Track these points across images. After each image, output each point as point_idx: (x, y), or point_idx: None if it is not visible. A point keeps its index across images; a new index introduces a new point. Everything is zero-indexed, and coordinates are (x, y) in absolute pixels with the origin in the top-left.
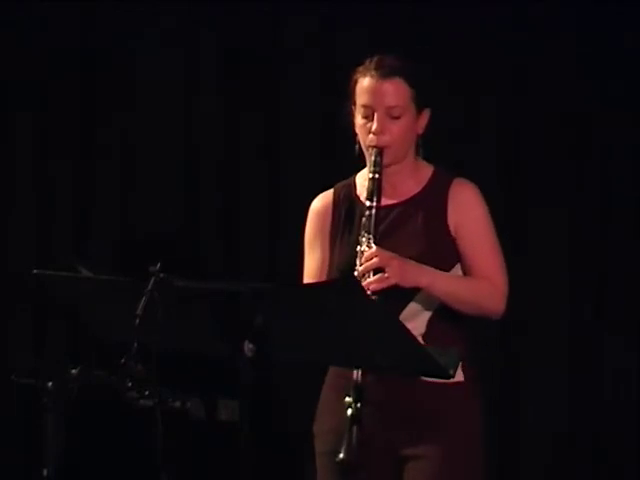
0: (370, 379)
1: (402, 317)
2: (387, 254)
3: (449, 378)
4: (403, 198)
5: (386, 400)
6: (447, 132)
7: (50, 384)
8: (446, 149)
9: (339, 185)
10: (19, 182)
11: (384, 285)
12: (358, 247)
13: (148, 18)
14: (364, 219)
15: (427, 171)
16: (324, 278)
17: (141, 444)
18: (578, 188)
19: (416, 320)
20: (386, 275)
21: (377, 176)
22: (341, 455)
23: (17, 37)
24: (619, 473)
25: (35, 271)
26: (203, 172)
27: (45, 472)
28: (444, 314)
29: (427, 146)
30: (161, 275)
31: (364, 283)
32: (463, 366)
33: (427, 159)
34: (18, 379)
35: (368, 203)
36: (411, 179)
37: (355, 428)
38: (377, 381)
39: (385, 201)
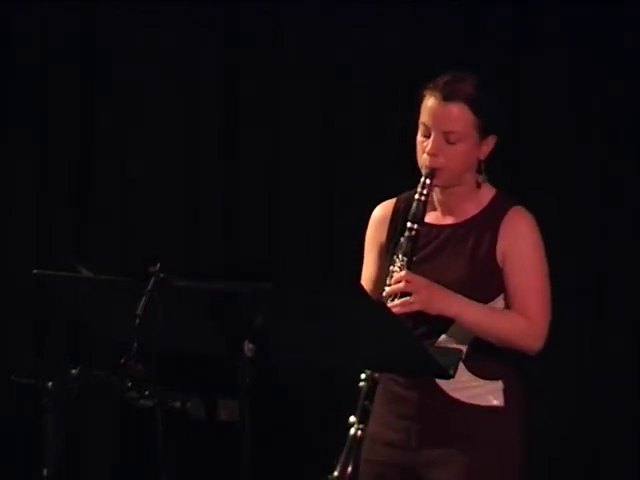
0: (400, 393)
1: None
2: (416, 279)
3: (449, 378)
4: (458, 220)
5: (416, 417)
6: None
7: (50, 384)
8: None
9: (403, 195)
10: (19, 182)
11: (407, 310)
12: (391, 267)
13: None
14: (402, 239)
15: (488, 195)
16: (376, 288)
17: (141, 444)
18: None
19: None
20: (411, 300)
21: (423, 198)
22: (335, 474)
23: (18, 39)
24: (619, 473)
25: (35, 271)
26: (203, 172)
27: (45, 472)
28: (482, 346)
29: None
30: (161, 275)
31: (389, 304)
32: (505, 390)
33: (493, 183)
34: (18, 379)
35: (409, 224)
36: (470, 202)
37: (354, 449)
38: (408, 396)
39: (438, 220)
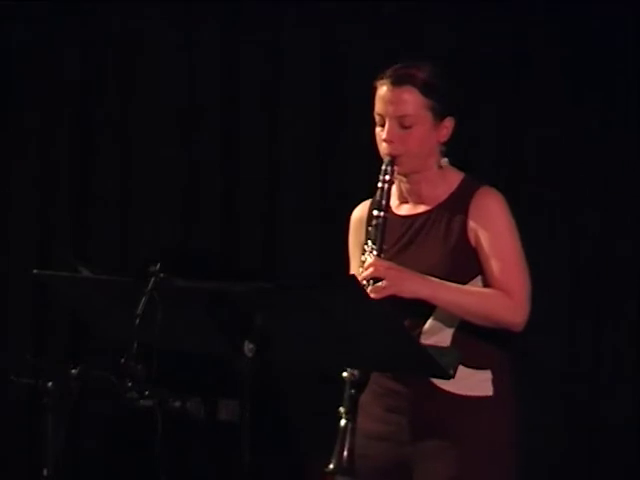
0: (389, 386)
1: (425, 332)
2: (384, 264)
3: (449, 378)
4: (428, 207)
5: (406, 409)
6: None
7: (50, 384)
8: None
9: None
10: (19, 182)
11: (380, 295)
12: (362, 256)
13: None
14: (370, 228)
15: (455, 179)
16: None
17: (141, 444)
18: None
19: (439, 335)
20: (383, 285)
21: (386, 186)
22: (330, 466)
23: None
24: (619, 473)
25: (35, 271)
26: (203, 171)
27: (45, 472)
28: (469, 329)
29: (450, 153)
30: (161, 275)
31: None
32: (493, 380)
33: (458, 166)
34: (18, 379)
35: (375, 213)
36: (437, 187)
37: (347, 439)
38: (397, 389)
39: (410, 210)
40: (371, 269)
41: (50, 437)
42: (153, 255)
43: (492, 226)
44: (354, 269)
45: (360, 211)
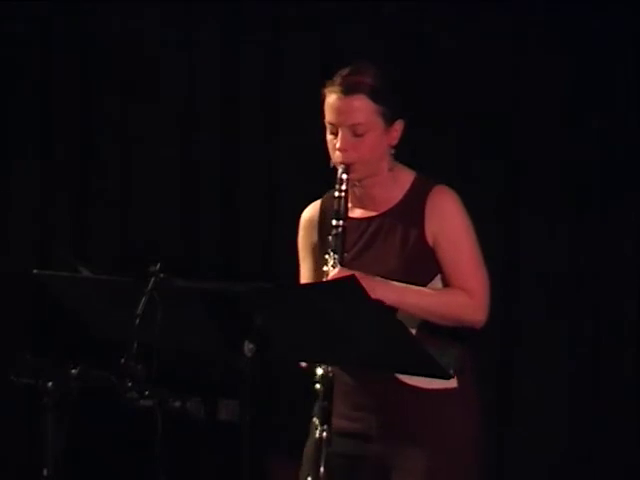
0: (354, 383)
1: None
2: (348, 274)
3: (449, 378)
4: (382, 210)
5: (372, 405)
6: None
7: (50, 384)
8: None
9: (328, 195)
10: (19, 182)
11: None
12: (324, 267)
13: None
14: (330, 238)
15: (407, 179)
16: None
17: (141, 444)
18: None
19: None
20: (352, 273)
21: (343, 194)
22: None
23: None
24: (619, 473)
25: (35, 271)
26: (203, 171)
27: (45, 472)
28: (430, 328)
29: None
30: (161, 275)
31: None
32: (456, 372)
33: (410, 165)
34: (18, 379)
35: (334, 222)
36: (390, 190)
37: (321, 450)
38: (362, 386)
39: (365, 213)
40: None
41: (50, 437)
42: (153, 255)
43: (449, 226)
44: (305, 271)
45: (310, 211)
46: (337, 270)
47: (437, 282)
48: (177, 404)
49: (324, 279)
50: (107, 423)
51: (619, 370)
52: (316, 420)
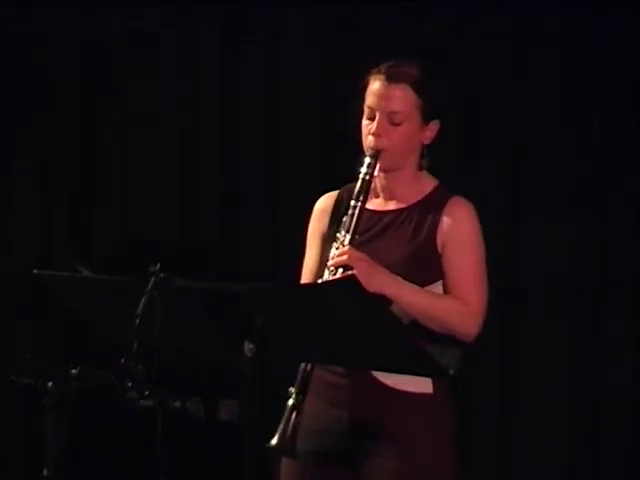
0: (332, 380)
1: None
2: (357, 254)
3: (449, 378)
4: (399, 206)
5: (347, 403)
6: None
7: (50, 384)
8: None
9: (345, 188)
10: (19, 182)
11: None
12: (334, 244)
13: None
14: (345, 217)
15: (429, 185)
16: (317, 279)
17: (141, 444)
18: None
19: None
20: (352, 274)
21: (367, 177)
22: (273, 442)
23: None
24: (619, 473)
25: (35, 271)
26: (203, 171)
27: (45, 472)
28: (413, 330)
29: (432, 158)
30: (161, 275)
31: (331, 278)
32: (433, 381)
33: (434, 174)
34: (18, 379)
35: (353, 202)
36: (410, 189)
37: (292, 418)
38: (339, 382)
39: (380, 206)
40: (344, 257)
41: (50, 437)
42: (153, 255)
43: (461, 236)
44: (310, 256)
45: (325, 201)
46: (347, 247)
47: (438, 287)
48: (177, 404)
49: (330, 258)
50: (107, 423)
51: (619, 370)
52: (292, 389)
